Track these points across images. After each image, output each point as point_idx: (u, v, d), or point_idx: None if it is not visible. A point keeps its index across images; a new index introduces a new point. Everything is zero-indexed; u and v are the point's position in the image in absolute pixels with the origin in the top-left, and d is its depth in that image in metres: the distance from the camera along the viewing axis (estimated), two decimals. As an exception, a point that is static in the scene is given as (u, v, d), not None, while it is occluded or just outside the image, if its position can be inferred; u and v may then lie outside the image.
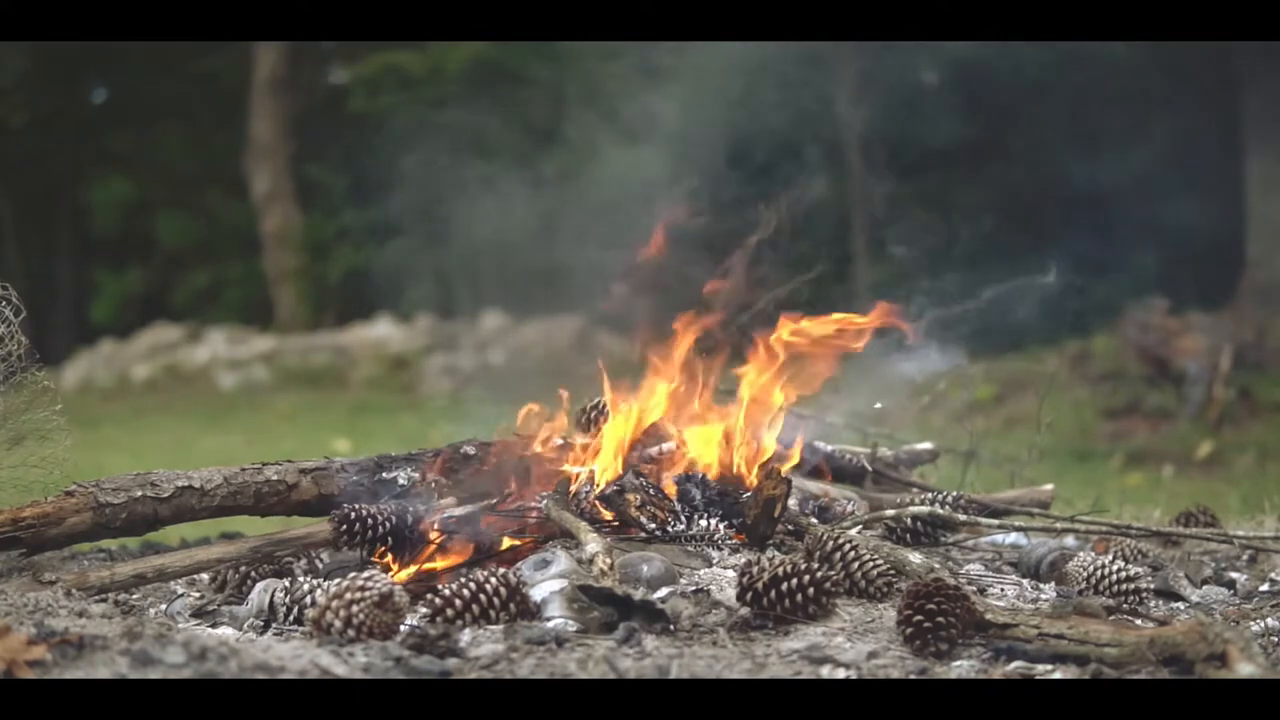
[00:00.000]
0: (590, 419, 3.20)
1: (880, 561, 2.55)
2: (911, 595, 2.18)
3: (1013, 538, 3.28)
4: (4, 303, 2.76)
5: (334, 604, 2.16)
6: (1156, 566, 3.02)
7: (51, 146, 20.29)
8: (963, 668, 2.07)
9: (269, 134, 17.45)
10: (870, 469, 3.51)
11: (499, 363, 13.88)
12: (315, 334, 15.89)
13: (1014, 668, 2.06)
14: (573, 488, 2.92)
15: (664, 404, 3.17)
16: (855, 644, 2.17)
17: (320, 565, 2.87)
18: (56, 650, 1.90)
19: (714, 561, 2.72)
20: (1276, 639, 2.38)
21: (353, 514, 2.69)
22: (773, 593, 2.28)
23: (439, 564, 2.72)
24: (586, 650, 2.07)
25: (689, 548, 2.77)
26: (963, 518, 3.02)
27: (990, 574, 2.90)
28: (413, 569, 2.69)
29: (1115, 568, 2.72)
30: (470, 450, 3.07)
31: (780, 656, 2.09)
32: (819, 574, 2.34)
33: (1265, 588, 2.91)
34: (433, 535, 2.74)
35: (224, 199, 19.10)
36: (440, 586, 2.34)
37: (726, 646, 2.14)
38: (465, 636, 2.15)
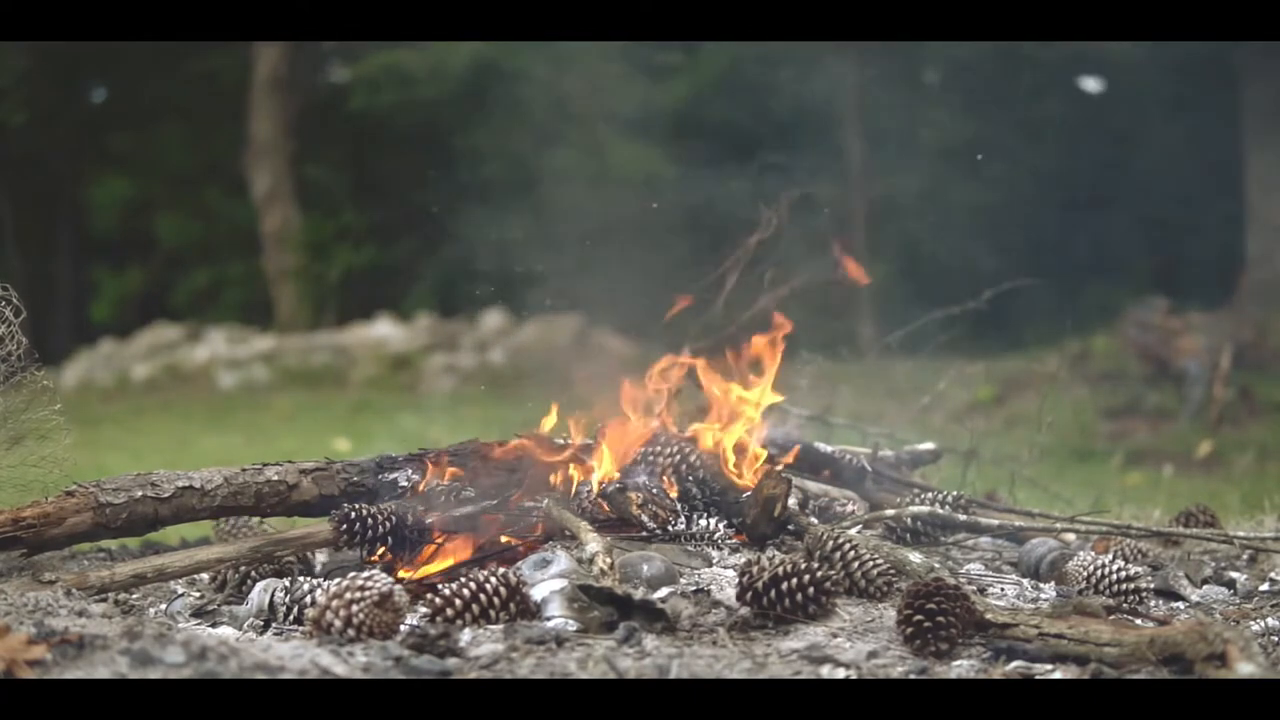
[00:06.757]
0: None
1: (880, 561, 2.55)
2: (911, 595, 2.18)
3: None
4: (4, 303, 2.76)
5: (334, 604, 2.16)
6: (1156, 566, 3.02)
7: (51, 146, 20.27)
8: (963, 668, 2.07)
9: (269, 134, 17.44)
10: (870, 469, 3.51)
11: (499, 362, 13.88)
12: (315, 334, 15.88)
13: (1014, 667, 2.06)
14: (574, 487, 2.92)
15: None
16: (855, 644, 2.18)
17: (320, 565, 2.87)
18: (56, 650, 1.90)
19: (714, 561, 2.72)
20: (1276, 639, 2.38)
21: (353, 514, 2.69)
22: (773, 592, 2.28)
23: (446, 562, 2.71)
24: (586, 650, 2.08)
25: (689, 547, 2.77)
26: (963, 518, 3.02)
27: (990, 574, 2.90)
28: (430, 568, 2.68)
29: (1115, 567, 2.71)
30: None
31: (780, 656, 2.09)
32: (819, 574, 2.34)
33: (1265, 587, 2.91)
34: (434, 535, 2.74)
35: (224, 199, 19.09)
36: (440, 586, 2.34)
37: (726, 646, 2.14)
38: (465, 636, 2.15)
